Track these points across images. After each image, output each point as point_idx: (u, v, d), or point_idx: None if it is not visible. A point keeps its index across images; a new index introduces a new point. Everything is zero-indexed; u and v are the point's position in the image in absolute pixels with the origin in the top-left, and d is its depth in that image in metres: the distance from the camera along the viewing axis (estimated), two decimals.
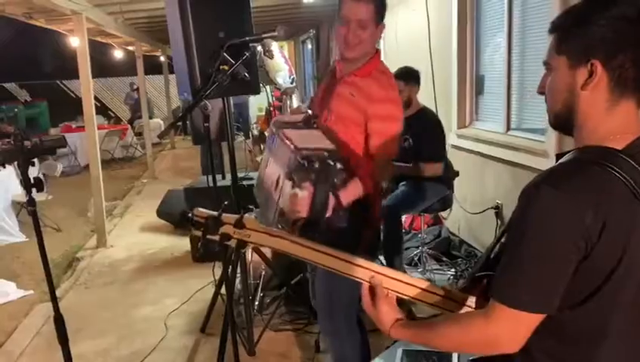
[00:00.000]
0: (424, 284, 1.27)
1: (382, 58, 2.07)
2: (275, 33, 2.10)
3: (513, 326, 1.04)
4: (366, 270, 1.27)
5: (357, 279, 1.27)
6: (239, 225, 1.24)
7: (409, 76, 3.66)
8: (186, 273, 4.31)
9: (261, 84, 2.87)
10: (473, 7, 4.40)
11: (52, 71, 17.63)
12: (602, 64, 1.03)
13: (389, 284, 1.27)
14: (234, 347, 2.51)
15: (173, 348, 3.18)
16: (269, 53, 2.71)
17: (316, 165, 1.69)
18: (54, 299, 1.75)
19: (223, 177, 4.55)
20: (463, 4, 4.42)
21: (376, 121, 1.96)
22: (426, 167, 3.54)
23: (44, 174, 6.47)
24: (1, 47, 17.13)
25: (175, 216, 5.43)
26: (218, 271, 3.67)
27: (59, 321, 1.74)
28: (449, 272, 3.99)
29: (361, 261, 1.27)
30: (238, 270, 3.00)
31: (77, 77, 5.26)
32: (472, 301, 1.26)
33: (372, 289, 1.27)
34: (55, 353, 2.16)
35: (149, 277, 4.37)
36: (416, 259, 4.12)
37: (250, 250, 3.38)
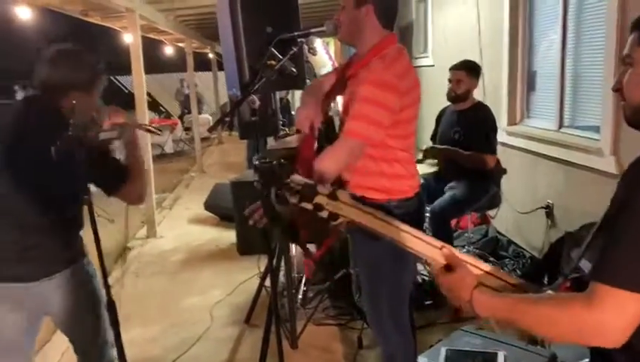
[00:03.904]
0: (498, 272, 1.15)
1: (402, 47, 1.97)
2: (323, 28, 2.09)
3: (620, 310, 0.93)
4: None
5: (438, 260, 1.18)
6: (333, 196, 1.20)
7: (471, 69, 3.66)
8: (231, 265, 4.39)
9: (307, 80, 2.89)
10: (526, 1, 4.27)
11: (106, 67, 18.21)
12: None
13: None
14: (277, 339, 2.53)
15: (218, 338, 3.25)
16: (312, 51, 2.72)
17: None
18: (107, 285, 1.81)
19: None
20: None
21: (356, 102, 1.83)
22: (488, 157, 3.52)
23: None
24: (58, 42, 17.82)
25: (221, 208, 5.54)
26: (263, 264, 3.73)
27: (111, 306, 1.80)
28: None
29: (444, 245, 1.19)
30: (282, 263, 3.04)
31: (129, 73, 5.43)
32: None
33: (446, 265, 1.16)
34: None
35: (196, 268, 4.48)
36: None
37: (294, 247, 3.42)
